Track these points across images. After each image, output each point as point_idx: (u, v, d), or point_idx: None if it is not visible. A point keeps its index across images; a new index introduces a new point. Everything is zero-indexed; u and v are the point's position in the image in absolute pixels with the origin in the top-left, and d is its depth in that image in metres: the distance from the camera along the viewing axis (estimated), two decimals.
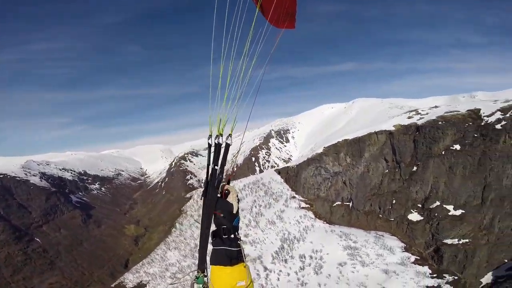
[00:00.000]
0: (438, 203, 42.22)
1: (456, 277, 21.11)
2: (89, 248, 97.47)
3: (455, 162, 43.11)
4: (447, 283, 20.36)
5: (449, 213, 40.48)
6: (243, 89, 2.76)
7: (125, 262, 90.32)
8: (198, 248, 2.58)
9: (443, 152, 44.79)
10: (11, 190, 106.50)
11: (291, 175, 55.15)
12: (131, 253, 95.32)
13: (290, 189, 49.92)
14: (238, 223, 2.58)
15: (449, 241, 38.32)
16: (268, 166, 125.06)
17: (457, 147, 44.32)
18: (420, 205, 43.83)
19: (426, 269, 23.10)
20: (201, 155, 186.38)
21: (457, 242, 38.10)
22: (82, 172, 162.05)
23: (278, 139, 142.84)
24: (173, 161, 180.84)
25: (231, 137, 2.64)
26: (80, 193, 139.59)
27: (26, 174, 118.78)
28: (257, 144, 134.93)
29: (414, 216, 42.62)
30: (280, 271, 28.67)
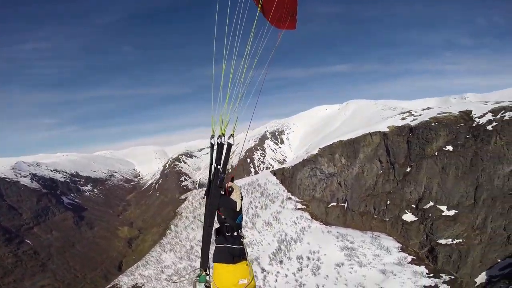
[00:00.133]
0: (431, 203, 42.80)
1: (452, 277, 21.41)
2: (82, 250, 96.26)
3: (448, 163, 43.73)
4: (444, 282, 20.68)
5: (443, 214, 41.08)
6: (245, 89, 2.77)
7: (119, 264, 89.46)
8: (200, 246, 2.59)
9: (436, 153, 45.38)
10: (0, 192, 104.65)
11: (287, 176, 55.28)
12: (125, 255, 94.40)
13: (286, 190, 50.01)
14: (242, 220, 2.61)
15: (443, 241, 38.89)
16: (263, 167, 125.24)
17: (450, 148, 44.95)
18: (414, 206, 44.37)
19: (423, 269, 23.42)
20: (195, 156, 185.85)
21: (451, 242, 38.70)
22: (74, 173, 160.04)
23: (273, 140, 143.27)
24: (167, 162, 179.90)
25: (233, 137, 2.65)
26: (72, 195, 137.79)
27: (16, 175, 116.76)
28: (252, 146, 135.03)
29: (409, 217, 43.15)
30: (278, 272, 28.68)
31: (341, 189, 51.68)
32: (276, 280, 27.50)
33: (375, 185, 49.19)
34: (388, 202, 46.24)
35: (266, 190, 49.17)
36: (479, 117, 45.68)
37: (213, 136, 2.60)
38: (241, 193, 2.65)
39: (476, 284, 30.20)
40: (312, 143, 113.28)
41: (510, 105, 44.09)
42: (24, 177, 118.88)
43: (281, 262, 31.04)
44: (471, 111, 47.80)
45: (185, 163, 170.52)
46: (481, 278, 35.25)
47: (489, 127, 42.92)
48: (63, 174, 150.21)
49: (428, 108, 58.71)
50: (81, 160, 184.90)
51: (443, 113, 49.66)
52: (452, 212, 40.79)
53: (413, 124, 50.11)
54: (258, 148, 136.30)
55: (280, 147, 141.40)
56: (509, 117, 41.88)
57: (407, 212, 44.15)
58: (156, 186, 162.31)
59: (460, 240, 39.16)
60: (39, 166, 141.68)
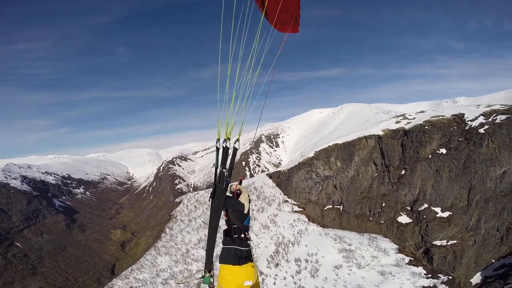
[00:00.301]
0: (426, 205, 43.31)
1: (450, 277, 21.67)
2: (74, 253, 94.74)
3: (442, 166, 44.33)
4: (442, 283, 20.88)
5: (437, 215, 41.60)
6: (250, 94, 2.78)
7: (112, 267, 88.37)
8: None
9: (430, 156, 45.97)
10: None
11: (283, 179, 55.35)
12: (118, 259, 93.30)
13: (282, 193, 50.02)
14: (249, 223, 2.61)
15: (438, 243, 39.35)
16: (259, 170, 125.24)
17: (443, 151, 45.58)
18: (409, 208, 44.83)
19: (420, 269, 23.61)
20: (190, 159, 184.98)
21: (446, 244, 39.18)
22: (66, 175, 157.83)
23: (268, 144, 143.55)
24: (161, 165, 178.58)
25: (238, 141, 2.69)
26: (63, 197, 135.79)
27: (6, 177, 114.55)
28: (248, 149, 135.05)
29: (404, 219, 43.58)
30: (276, 275, 28.57)
31: (336, 192, 51.95)
32: (274, 283, 27.38)
33: (370, 188, 49.59)
34: (383, 204, 46.64)
35: (263, 193, 49.10)
36: (471, 120, 46.48)
37: (218, 140, 2.64)
38: (249, 196, 2.67)
39: (472, 285, 30.59)
40: (307, 146, 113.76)
41: (502, 108, 45.01)
42: (15, 179, 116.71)
43: (276, 265, 30.93)
44: (463, 114, 48.59)
45: (179, 166, 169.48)
46: (476, 278, 35.72)
47: (481, 130, 43.69)
48: (54, 177, 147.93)
49: (422, 112, 59.51)
50: (73, 162, 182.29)
51: (437, 116, 50.41)
52: (446, 214, 41.34)
53: (407, 127, 50.71)
54: (254, 151, 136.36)
55: (275, 150, 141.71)
56: (501, 120, 42.74)
57: (402, 214, 44.59)
58: (150, 189, 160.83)
59: (455, 242, 39.68)
60: (30, 168, 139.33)
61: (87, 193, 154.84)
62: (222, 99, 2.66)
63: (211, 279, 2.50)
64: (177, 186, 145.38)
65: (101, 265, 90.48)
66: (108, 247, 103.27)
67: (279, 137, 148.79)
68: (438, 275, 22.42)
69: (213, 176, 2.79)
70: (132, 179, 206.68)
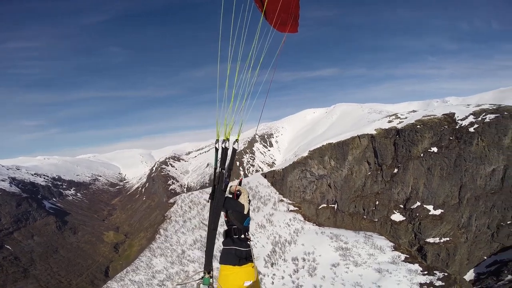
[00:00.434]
0: (418, 203, 44.07)
1: (445, 274, 22.16)
2: (66, 255, 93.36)
3: (433, 164, 45.16)
4: (438, 279, 21.33)
5: (429, 213, 42.38)
6: (250, 94, 2.76)
7: (105, 269, 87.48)
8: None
9: (421, 155, 46.75)
10: None
11: (277, 179, 55.53)
12: (111, 260, 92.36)
13: (277, 193, 50.19)
14: (249, 223, 2.66)
15: (431, 240, 40.11)
16: (253, 170, 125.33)
17: (434, 149, 46.41)
18: (402, 206, 45.55)
19: (416, 266, 24.03)
20: (183, 159, 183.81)
21: (439, 241, 39.97)
22: (56, 177, 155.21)
23: (262, 144, 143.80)
24: (154, 166, 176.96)
25: (237, 142, 2.67)
26: (54, 199, 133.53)
27: None
28: (242, 149, 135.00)
29: (397, 217, 44.25)
30: (274, 274, 28.68)
31: (331, 190, 52.39)
32: (272, 282, 27.48)
33: (364, 186, 50.18)
34: (377, 202, 47.26)
35: (258, 192, 49.19)
36: (461, 120, 47.41)
37: (217, 140, 2.62)
38: (248, 197, 2.69)
39: (466, 281, 31.30)
40: (300, 146, 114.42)
41: (491, 108, 46.06)
42: (3, 181, 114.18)
43: (272, 264, 31.05)
44: (454, 113, 49.52)
45: (172, 166, 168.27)
46: (470, 275, 36.51)
47: (471, 129, 44.63)
48: (44, 178, 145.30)
49: (414, 111, 60.44)
50: (63, 163, 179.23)
51: (428, 116, 51.29)
52: (438, 212, 42.15)
53: (399, 126, 51.41)
54: (248, 151, 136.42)
55: (269, 150, 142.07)
56: (490, 119, 43.74)
57: (395, 212, 45.27)
58: (143, 190, 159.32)
59: (447, 239, 40.50)
60: (18, 169, 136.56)
61: (78, 194, 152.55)
62: (221, 99, 2.66)
63: (211, 280, 2.50)
64: (171, 187, 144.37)
65: (94, 267, 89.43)
66: (101, 249, 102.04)
67: (273, 137, 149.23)
68: (434, 271, 22.89)
69: (211, 176, 2.89)
70: (124, 180, 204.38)
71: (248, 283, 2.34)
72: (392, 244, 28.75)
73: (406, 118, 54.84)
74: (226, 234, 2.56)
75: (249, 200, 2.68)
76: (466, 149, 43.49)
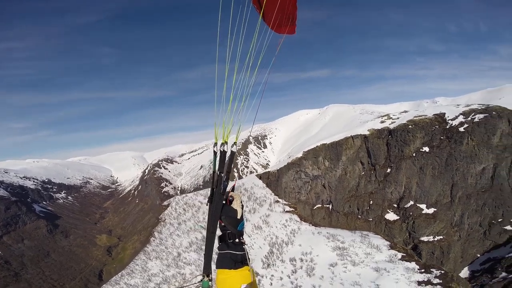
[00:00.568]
0: (412, 202, 44.82)
1: (442, 271, 22.65)
2: (58, 259, 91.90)
3: (425, 163, 46.00)
4: (436, 277, 21.74)
5: (423, 212, 43.16)
6: (248, 96, 2.76)
7: (99, 273, 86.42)
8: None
9: (413, 154, 47.56)
10: None
11: (272, 180, 55.70)
12: (105, 264, 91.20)
13: (273, 194, 50.36)
14: (243, 228, 2.69)
15: (425, 239, 40.89)
16: (247, 172, 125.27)
17: (426, 149, 47.27)
18: (395, 205, 46.25)
19: (413, 265, 24.40)
20: (176, 162, 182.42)
21: (433, 239, 40.78)
22: (46, 180, 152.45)
23: (256, 145, 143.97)
24: (147, 168, 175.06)
25: (236, 145, 2.70)
26: (44, 202, 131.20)
27: None
28: (235, 150, 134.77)
29: (391, 216, 44.91)
30: (272, 275, 28.77)
31: (325, 191, 52.82)
32: (271, 284, 27.56)
33: (358, 186, 50.76)
34: (371, 202, 47.87)
35: (253, 194, 49.26)
36: (451, 120, 48.42)
37: (216, 144, 2.62)
38: (241, 202, 2.72)
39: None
40: (294, 147, 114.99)
41: (479, 108, 47.21)
42: None
43: (268, 265, 31.16)
44: (444, 114, 50.54)
45: (165, 168, 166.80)
46: (464, 273, 37.30)
47: (461, 129, 45.64)
48: (33, 181, 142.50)
49: (405, 112, 61.40)
50: (53, 166, 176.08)
51: (419, 116, 52.21)
52: (431, 210, 42.95)
53: (391, 127, 52.15)
54: (242, 152, 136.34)
55: (263, 152, 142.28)
56: (479, 119, 44.83)
57: (389, 212, 45.93)
58: (135, 193, 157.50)
59: (441, 237, 41.32)
60: (7, 173, 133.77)
61: (69, 197, 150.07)
62: (218, 101, 2.65)
63: (210, 284, 2.54)
64: (164, 189, 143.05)
65: (87, 271, 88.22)
66: (93, 252, 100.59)
67: (267, 138, 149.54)
68: (431, 269, 23.32)
69: (205, 178, 2.81)
70: (116, 183, 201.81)
71: (244, 286, 2.37)
72: (388, 243, 29.20)
73: (398, 118, 55.68)
74: (221, 239, 2.59)
75: (242, 205, 2.72)
76: (456, 149, 44.44)
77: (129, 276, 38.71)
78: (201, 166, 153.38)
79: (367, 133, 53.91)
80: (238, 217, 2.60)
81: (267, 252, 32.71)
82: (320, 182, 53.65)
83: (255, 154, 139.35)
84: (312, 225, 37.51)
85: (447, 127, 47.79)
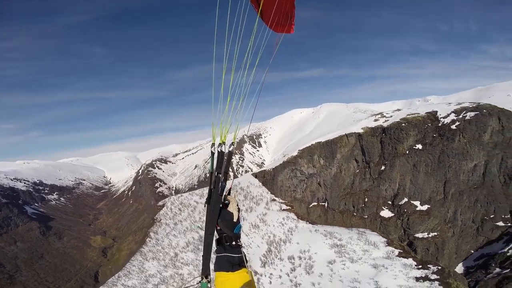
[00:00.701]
0: (406, 199, 45.56)
1: (439, 267, 23.19)
2: (52, 261, 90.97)
3: (418, 161, 46.79)
4: (433, 273, 22.24)
5: (417, 209, 43.93)
6: (246, 95, 2.75)
7: (95, 274, 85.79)
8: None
9: (407, 152, 48.33)
10: None
11: (268, 179, 55.91)
12: (100, 265, 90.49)
13: (269, 192, 50.58)
14: (239, 230, 2.70)
15: (420, 235, 41.66)
16: (242, 171, 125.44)
17: (419, 146, 48.07)
18: (390, 202, 46.94)
19: (411, 261, 24.86)
20: (170, 161, 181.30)
21: (427, 236, 41.58)
22: (38, 181, 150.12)
23: (251, 144, 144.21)
24: (140, 168, 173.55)
25: (233, 145, 2.70)
26: (36, 204, 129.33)
27: None
28: (233, 151, 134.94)
29: (386, 213, 45.59)
30: (271, 274, 28.96)
31: (321, 189, 53.30)
32: (270, 282, 27.77)
33: (353, 184, 51.35)
34: (366, 199, 48.49)
35: (250, 193, 49.36)
36: (443, 117, 49.33)
37: (213, 144, 2.63)
38: (237, 205, 2.72)
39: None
40: (289, 146, 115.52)
41: (470, 106, 48.18)
42: None
43: (264, 264, 31.39)
44: (436, 112, 51.44)
45: (159, 169, 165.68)
46: (459, 269, 38.08)
47: (453, 127, 46.55)
48: (24, 183, 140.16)
49: (398, 110, 62.29)
50: (45, 167, 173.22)
51: (412, 114, 53.03)
52: (425, 207, 43.75)
53: (385, 125, 52.85)
54: (237, 152, 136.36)
55: (258, 151, 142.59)
56: (470, 117, 45.79)
57: (384, 209, 46.61)
58: (129, 193, 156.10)
59: (435, 234, 42.14)
60: None
61: (62, 199, 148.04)
62: (215, 101, 2.63)
63: (209, 285, 2.55)
64: (158, 190, 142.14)
65: (83, 273, 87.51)
66: (88, 253, 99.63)
67: (262, 137, 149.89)
68: (428, 265, 23.83)
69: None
70: (110, 183, 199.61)
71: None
72: (385, 239, 29.70)
73: (391, 116, 56.44)
74: (218, 242, 2.62)
75: (239, 208, 2.71)
76: (449, 146, 45.33)
77: (126, 277, 38.50)
78: (196, 166, 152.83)
79: (361, 131, 54.52)
80: (234, 220, 2.61)
81: (265, 250, 32.90)
82: (315, 180, 54.10)
83: (250, 153, 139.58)
84: (309, 223, 37.83)
85: (439, 124, 48.67)
